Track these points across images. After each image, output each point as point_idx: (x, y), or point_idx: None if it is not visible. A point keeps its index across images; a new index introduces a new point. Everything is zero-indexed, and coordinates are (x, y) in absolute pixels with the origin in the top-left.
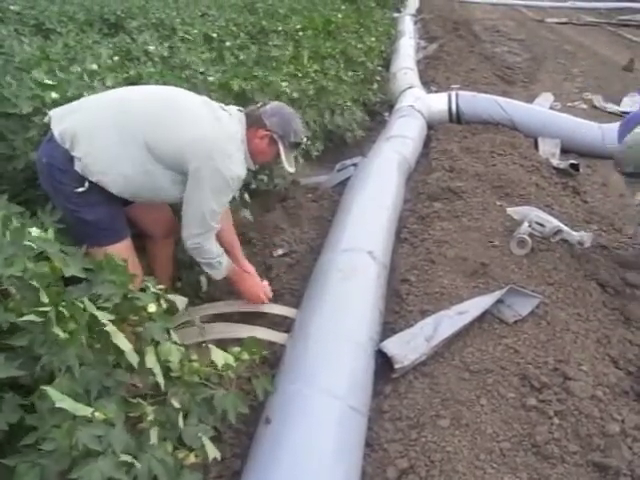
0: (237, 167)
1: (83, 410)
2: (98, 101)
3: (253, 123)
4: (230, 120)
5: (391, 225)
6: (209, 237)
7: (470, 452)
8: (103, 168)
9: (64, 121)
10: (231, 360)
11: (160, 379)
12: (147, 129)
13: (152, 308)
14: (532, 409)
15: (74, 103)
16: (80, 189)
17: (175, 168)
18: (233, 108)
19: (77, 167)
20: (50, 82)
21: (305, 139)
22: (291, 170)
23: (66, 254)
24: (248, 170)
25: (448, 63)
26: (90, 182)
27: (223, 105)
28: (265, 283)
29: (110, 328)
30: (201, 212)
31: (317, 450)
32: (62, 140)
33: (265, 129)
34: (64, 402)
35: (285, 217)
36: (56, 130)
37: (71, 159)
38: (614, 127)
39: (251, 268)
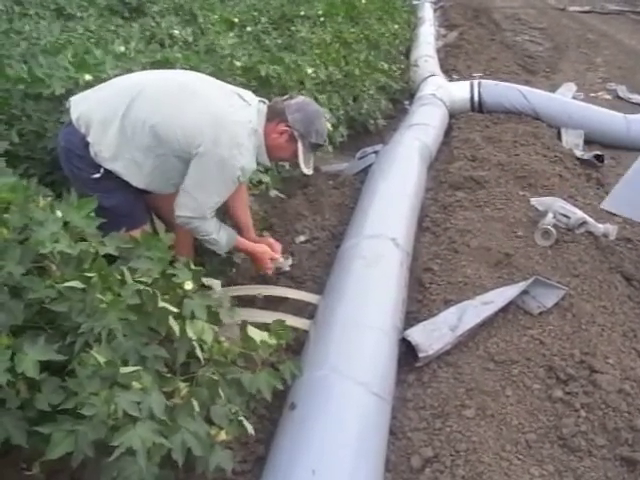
0: (244, 158)
1: (127, 370)
2: (113, 87)
3: (275, 116)
4: (245, 109)
5: (413, 213)
6: (201, 220)
7: (496, 443)
8: (113, 155)
9: (81, 106)
10: (267, 338)
11: (199, 353)
12: (154, 116)
13: (188, 285)
14: (558, 401)
15: (92, 89)
16: (96, 175)
17: (183, 154)
18: (255, 99)
19: (91, 153)
20: (92, 60)
21: (327, 141)
22: (308, 172)
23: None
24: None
25: (469, 51)
26: (105, 169)
27: (244, 94)
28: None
29: (156, 293)
30: (198, 200)
31: (341, 436)
32: (78, 125)
33: (286, 124)
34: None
35: (306, 204)
36: (74, 115)
37: (87, 145)
38: None
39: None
